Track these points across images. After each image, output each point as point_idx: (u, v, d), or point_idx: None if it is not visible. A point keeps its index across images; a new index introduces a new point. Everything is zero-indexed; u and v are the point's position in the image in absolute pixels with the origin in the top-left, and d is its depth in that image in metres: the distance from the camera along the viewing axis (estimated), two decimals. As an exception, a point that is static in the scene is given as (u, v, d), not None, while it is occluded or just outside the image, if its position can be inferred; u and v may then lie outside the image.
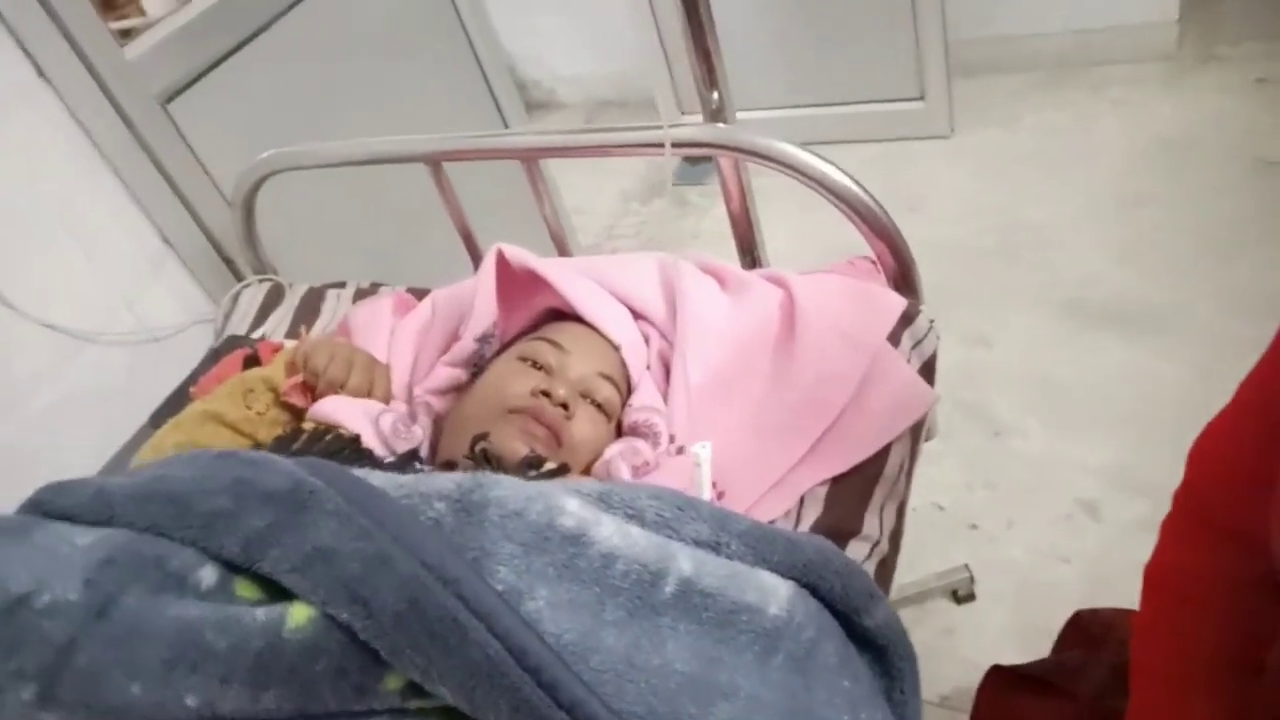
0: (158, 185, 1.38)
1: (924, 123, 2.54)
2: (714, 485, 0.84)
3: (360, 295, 1.30)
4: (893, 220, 0.93)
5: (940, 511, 1.69)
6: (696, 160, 2.74)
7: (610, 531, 0.61)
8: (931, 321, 0.95)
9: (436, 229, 1.35)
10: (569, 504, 0.61)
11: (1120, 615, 0.91)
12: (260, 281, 1.37)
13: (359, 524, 0.57)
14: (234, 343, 1.24)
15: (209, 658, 0.54)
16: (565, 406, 0.86)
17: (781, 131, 0.93)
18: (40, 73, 1.22)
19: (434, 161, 1.12)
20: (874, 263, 0.96)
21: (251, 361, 1.12)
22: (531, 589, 0.57)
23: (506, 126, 2.08)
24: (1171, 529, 0.72)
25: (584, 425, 0.88)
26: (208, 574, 0.57)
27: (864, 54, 2.50)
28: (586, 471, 0.89)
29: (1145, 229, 2.06)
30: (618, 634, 0.58)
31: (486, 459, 0.82)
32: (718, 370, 0.91)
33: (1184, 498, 0.71)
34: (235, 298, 1.36)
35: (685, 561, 0.62)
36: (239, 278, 1.40)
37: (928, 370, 0.95)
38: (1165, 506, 1.78)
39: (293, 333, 1.27)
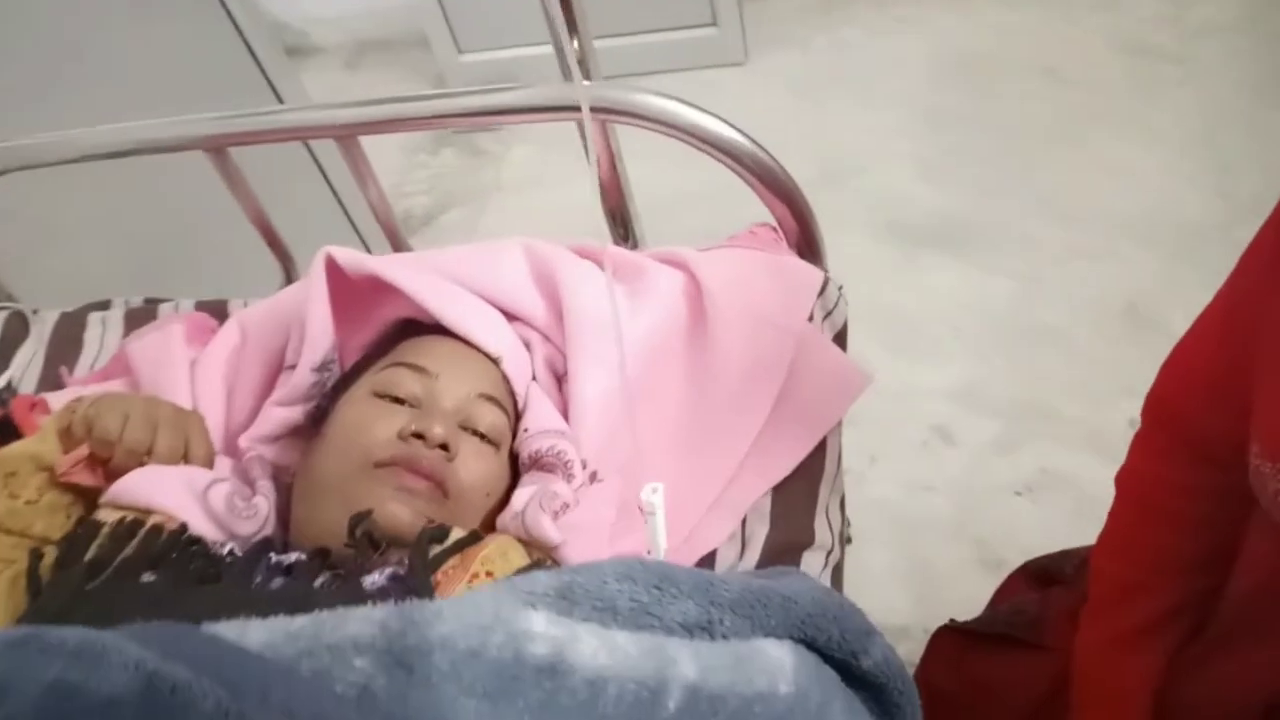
0: None
1: (719, 49, 2.45)
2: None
3: (133, 319, 1.04)
4: (792, 178, 0.82)
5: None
6: (485, 103, 2.52)
7: (592, 649, 0.47)
8: (840, 288, 0.85)
9: (218, 225, 1.10)
10: (535, 623, 0.46)
11: (1065, 556, 0.88)
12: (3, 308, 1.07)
13: None
14: (-30, 399, 0.96)
15: None
16: (445, 447, 0.70)
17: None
18: None
19: (218, 148, 0.88)
20: (775, 229, 0.84)
21: (4, 426, 0.86)
22: None
23: (267, 79, 1.78)
24: (1142, 441, 0.73)
25: (470, 464, 0.72)
26: None
27: (648, -22, 2.37)
28: (489, 524, 0.73)
29: (951, 145, 2.08)
30: None
31: (372, 543, 0.64)
32: (627, 380, 0.77)
33: (1155, 410, 0.71)
34: (-40, 335, 1.06)
35: (687, 665, 0.49)
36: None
37: (839, 343, 0.86)
38: (1012, 422, 1.84)
39: (50, 377, 1.00)
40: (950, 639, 0.90)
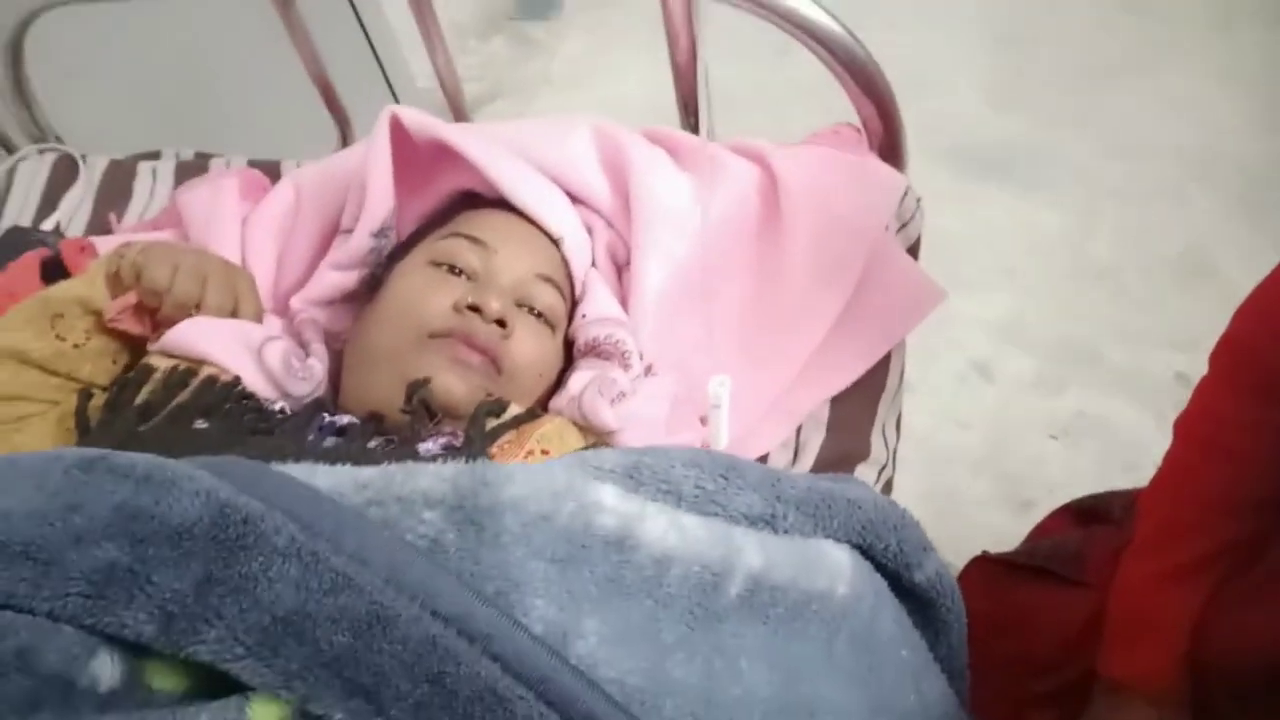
0: None
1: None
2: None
3: (184, 171, 1.02)
4: (883, 75, 0.78)
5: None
6: (535, -11, 2.44)
7: (661, 529, 0.46)
8: (919, 200, 0.82)
9: (272, 82, 1.07)
10: (605, 496, 0.45)
11: (1113, 497, 0.87)
12: (41, 152, 1.05)
13: (332, 566, 0.39)
14: (18, 237, 0.94)
15: None
16: (501, 323, 0.68)
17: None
18: None
19: None
20: (859, 131, 0.81)
21: (53, 267, 0.85)
22: (578, 623, 0.42)
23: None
24: (1208, 384, 0.73)
25: (526, 343, 0.71)
26: (106, 668, 0.37)
27: None
28: (544, 405, 0.72)
29: (1017, 69, 2.01)
30: (686, 662, 0.44)
31: (428, 411, 0.63)
32: (687, 269, 0.75)
33: (1226, 350, 0.71)
34: (10, 174, 1.04)
35: (753, 553, 0.48)
36: (9, 149, 1.07)
37: (912, 255, 0.83)
38: (1051, 363, 1.81)
39: (98, 223, 0.99)
40: (988, 568, 0.90)
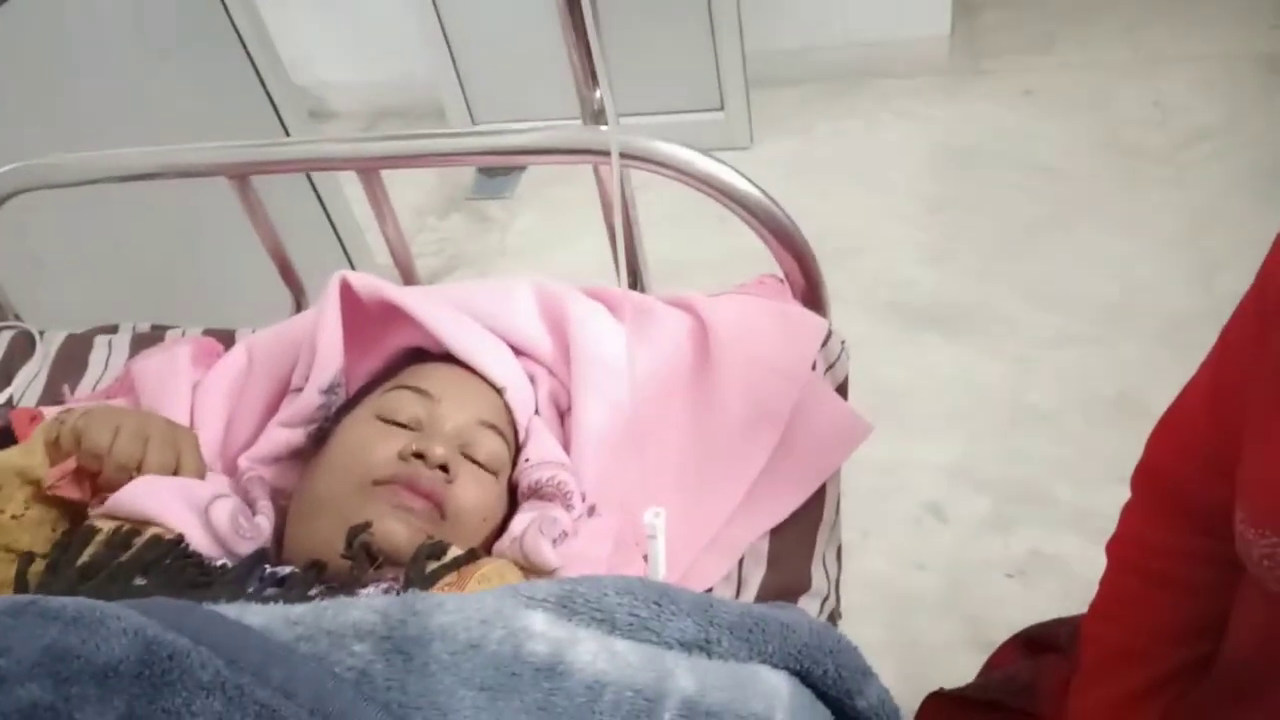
0: None
1: (725, 133, 2.53)
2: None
3: (140, 342, 1.05)
4: (801, 233, 0.84)
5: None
6: (494, 172, 2.59)
7: (592, 653, 0.46)
8: (843, 342, 0.87)
9: (227, 254, 1.12)
10: (535, 622, 0.46)
11: (1059, 625, 0.88)
12: (0, 329, 1.08)
13: (257, 699, 0.39)
14: (-31, 411, 0.96)
15: None
16: (444, 468, 0.70)
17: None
18: None
19: (241, 175, 0.91)
20: (781, 281, 0.86)
21: (3, 437, 0.86)
22: None
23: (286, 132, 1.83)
24: (1134, 509, 0.74)
25: (469, 489, 0.72)
26: None
27: (664, 65, 2.45)
28: (488, 550, 0.73)
29: (948, 231, 2.14)
30: None
31: (369, 556, 0.64)
32: (626, 412, 0.78)
33: (1146, 478, 0.73)
34: (-36, 353, 1.06)
35: (685, 678, 0.48)
36: (-33, 327, 1.10)
37: (841, 394, 0.87)
38: (1003, 502, 1.85)
39: (51, 395, 1.00)
40: (940, 705, 0.89)
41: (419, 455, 0.70)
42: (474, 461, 0.74)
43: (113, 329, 1.08)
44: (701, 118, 2.54)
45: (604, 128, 0.85)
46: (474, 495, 0.72)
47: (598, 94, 0.83)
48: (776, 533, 0.75)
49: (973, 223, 2.14)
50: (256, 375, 0.87)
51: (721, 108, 2.52)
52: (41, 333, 1.07)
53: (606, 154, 0.81)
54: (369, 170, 0.89)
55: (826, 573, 0.76)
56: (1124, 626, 0.75)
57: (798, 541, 0.75)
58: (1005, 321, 1.90)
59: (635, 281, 0.95)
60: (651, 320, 0.82)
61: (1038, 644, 0.90)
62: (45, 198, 1.01)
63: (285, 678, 0.41)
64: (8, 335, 1.07)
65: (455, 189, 2.62)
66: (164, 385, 0.88)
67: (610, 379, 0.79)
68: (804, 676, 0.56)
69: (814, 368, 0.83)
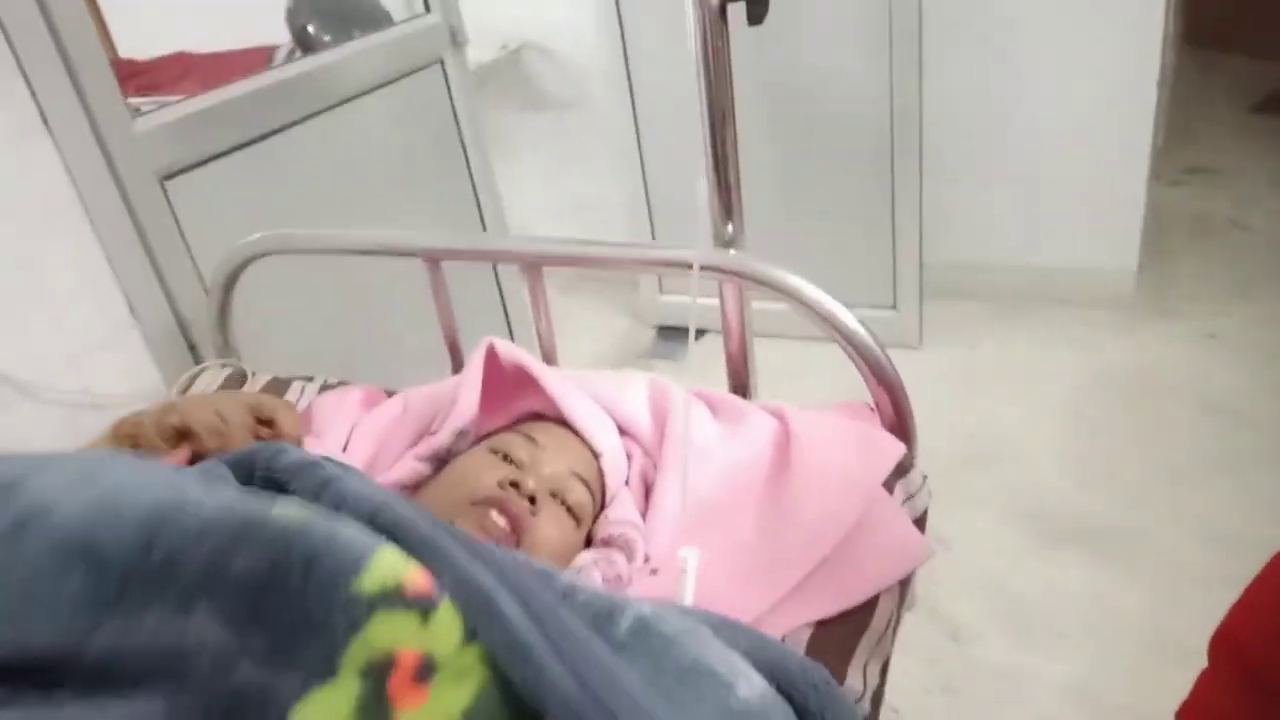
0: (137, 256, 1.34)
1: (896, 332, 2.61)
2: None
3: (327, 390, 1.24)
4: (896, 370, 0.92)
5: (896, 716, 1.59)
6: (671, 336, 2.78)
7: (569, 576, 0.56)
8: (925, 478, 0.92)
9: (411, 331, 1.31)
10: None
11: None
12: (221, 366, 1.30)
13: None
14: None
15: None
16: (532, 500, 0.80)
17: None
18: (44, 119, 1.20)
19: (434, 259, 1.10)
20: (872, 409, 0.93)
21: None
22: None
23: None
24: (1209, 678, 0.75)
25: (549, 525, 0.82)
26: None
27: (846, 261, 2.60)
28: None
29: (1104, 454, 2.09)
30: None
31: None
32: (704, 497, 0.86)
33: (1225, 650, 0.73)
34: (193, 379, 1.28)
35: (646, 607, 0.56)
36: (196, 361, 1.34)
37: (918, 527, 0.91)
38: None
39: (247, 418, 1.19)
40: None
41: (514, 485, 0.81)
42: (561, 504, 0.84)
43: (309, 378, 1.28)
44: (875, 313, 2.64)
45: (732, 252, 0.98)
46: (553, 532, 0.82)
47: (729, 228, 0.96)
48: (821, 626, 0.79)
49: (1134, 451, 2.09)
50: (405, 420, 1.02)
51: (894, 307, 2.62)
52: (253, 373, 1.29)
53: (731, 273, 0.93)
54: (534, 265, 1.05)
55: (865, 680, 0.78)
56: None
57: (840, 641, 0.79)
58: (1153, 551, 1.81)
59: (745, 395, 1.05)
60: (743, 421, 0.91)
61: None
62: (275, 270, 1.24)
63: None
64: (226, 371, 1.29)
65: (637, 347, 2.82)
66: (332, 418, 1.05)
67: (694, 465, 0.88)
68: (789, 701, 0.60)
69: (892, 494, 0.89)
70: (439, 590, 0.54)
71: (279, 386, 1.26)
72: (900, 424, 0.92)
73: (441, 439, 0.93)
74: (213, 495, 0.56)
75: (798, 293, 0.92)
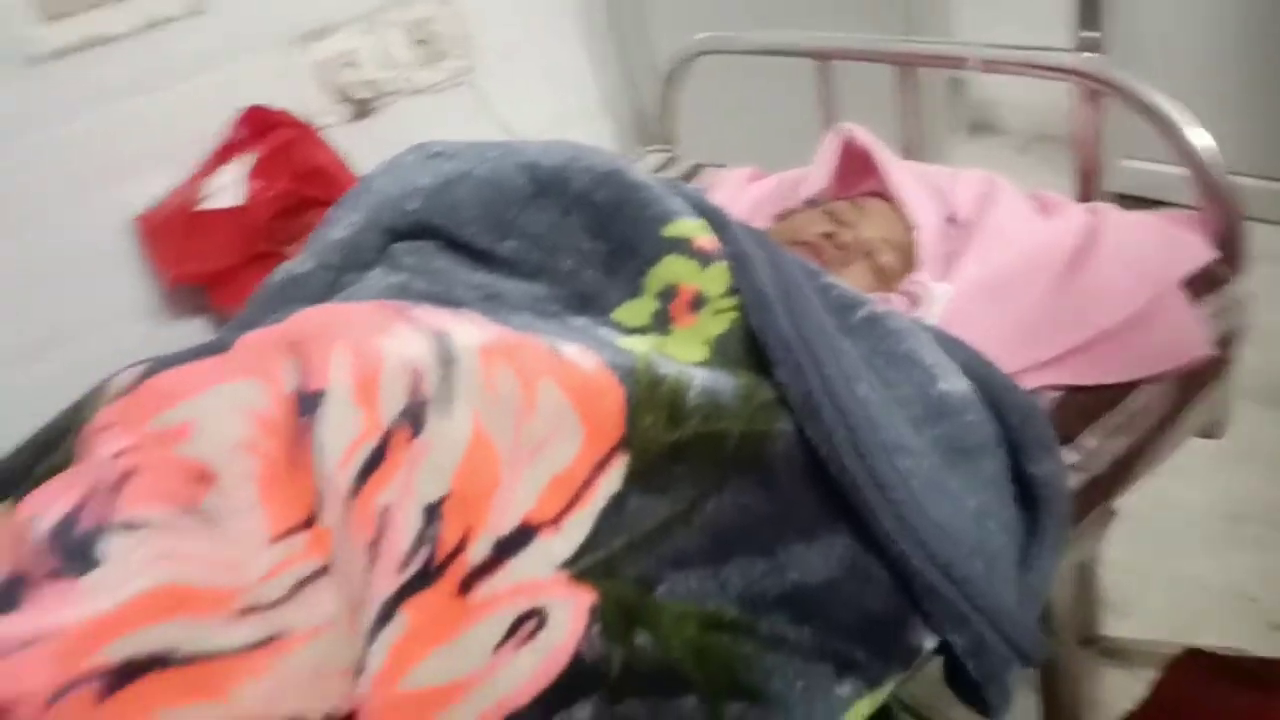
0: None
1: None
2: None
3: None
4: (1236, 198, 0.92)
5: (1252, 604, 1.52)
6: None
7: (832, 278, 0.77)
8: (1241, 299, 0.92)
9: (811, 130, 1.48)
10: None
11: None
12: (656, 151, 1.61)
13: None
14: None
15: None
16: (844, 250, 0.97)
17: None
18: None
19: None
20: (1202, 221, 0.94)
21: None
22: None
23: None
24: None
25: (854, 276, 0.98)
26: None
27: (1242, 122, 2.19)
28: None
29: None
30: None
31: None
32: (999, 272, 0.95)
33: None
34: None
35: (883, 309, 0.72)
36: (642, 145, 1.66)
37: (1226, 341, 0.93)
38: None
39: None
40: (1196, 664, 0.90)
41: (829, 236, 0.99)
42: (870, 263, 1.00)
43: (722, 164, 1.54)
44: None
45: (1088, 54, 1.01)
46: (858, 284, 0.98)
47: (1095, 34, 1.00)
48: (1072, 393, 0.87)
49: None
50: (776, 189, 1.23)
51: None
52: (676, 157, 1.58)
53: (1085, 77, 0.98)
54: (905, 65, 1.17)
55: (1101, 446, 0.85)
56: None
57: (1083, 407, 0.85)
58: None
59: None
60: (1059, 212, 0.98)
61: None
62: (715, 69, 1.48)
63: None
64: (663, 158, 1.60)
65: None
66: (721, 185, 1.29)
67: (1000, 249, 0.97)
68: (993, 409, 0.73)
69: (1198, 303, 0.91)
70: (719, 253, 0.76)
71: (696, 172, 1.54)
72: (1230, 240, 0.92)
73: (793, 204, 1.13)
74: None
75: (1154, 104, 0.94)
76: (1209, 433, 1.00)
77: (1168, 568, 1.59)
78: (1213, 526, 1.68)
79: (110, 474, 0.60)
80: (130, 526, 0.56)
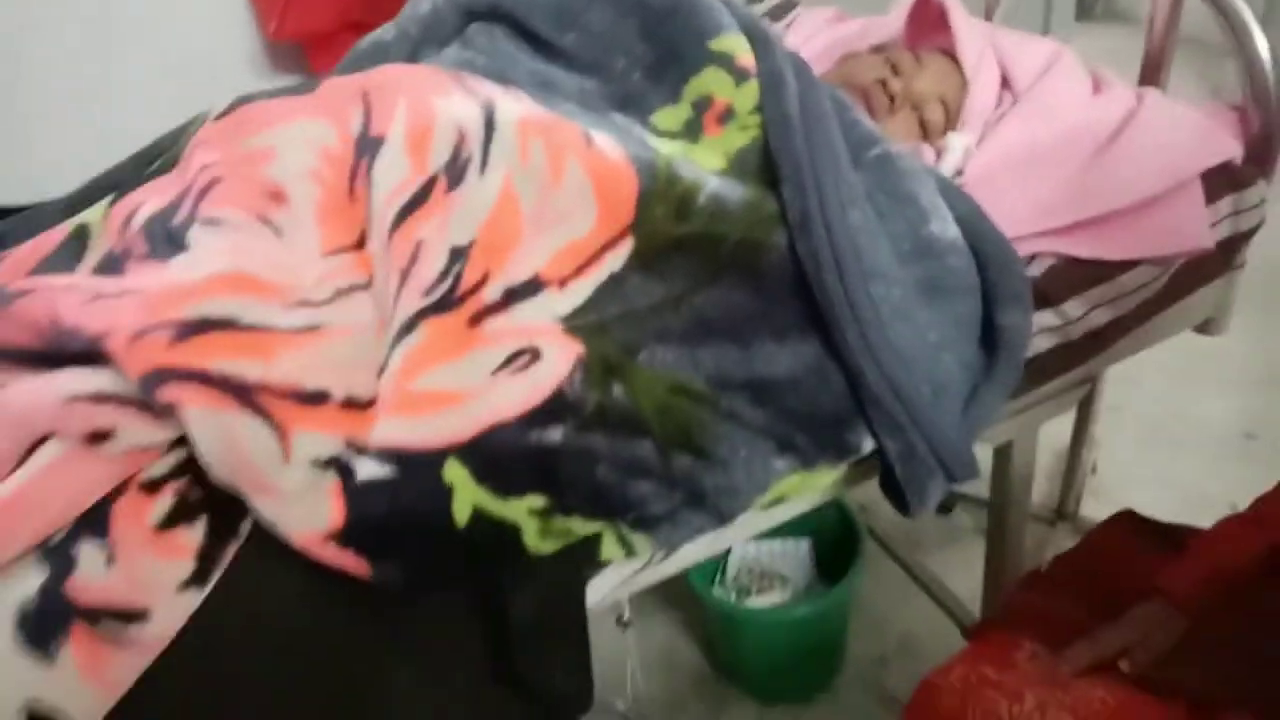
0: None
1: None
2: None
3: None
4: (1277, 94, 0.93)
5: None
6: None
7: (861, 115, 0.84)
8: (1263, 200, 0.94)
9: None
10: None
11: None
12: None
13: None
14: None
15: None
16: (892, 100, 1.01)
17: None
18: None
19: None
20: (1243, 119, 0.96)
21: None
22: None
23: None
24: None
25: (897, 125, 1.02)
26: None
27: None
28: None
29: None
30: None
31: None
32: (1035, 139, 0.99)
33: None
34: None
35: (897, 149, 0.79)
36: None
37: (1234, 241, 0.96)
38: None
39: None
40: (1126, 523, 0.98)
41: (882, 83, 1.03)
42: (918, 116, 1.04)
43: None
44: None
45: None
46: (897, 131, 1.03)
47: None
48: (1068, 264, 0.92)
49: None
50: (856, 33, 1.26)
51: None
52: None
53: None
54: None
55: (1087, 315, 0.91)
56: None
57: (1076, 276, 0.90)
58: None
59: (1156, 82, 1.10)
60: (1108, 92, 1.00)
61: None
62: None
63: None
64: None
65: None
66: (801, 23, 1.32)
67: (1042, 119, 1.00)
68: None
69: (1217, 201, 0.94)
70: (755, 72, 0.81)
71: (781, 10, 1.55)
72: (1265, 139, 0.94)
73: (862, 47, 1.16)
74: None
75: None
76: (1206, 329, 1.04)
77: (1169, 472, 1.66)
78: (1227, 443, 1.72)
79: (201, 181, 0.72)
80: (212, 222, 0.68)
